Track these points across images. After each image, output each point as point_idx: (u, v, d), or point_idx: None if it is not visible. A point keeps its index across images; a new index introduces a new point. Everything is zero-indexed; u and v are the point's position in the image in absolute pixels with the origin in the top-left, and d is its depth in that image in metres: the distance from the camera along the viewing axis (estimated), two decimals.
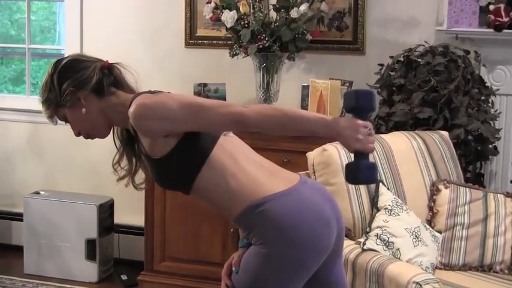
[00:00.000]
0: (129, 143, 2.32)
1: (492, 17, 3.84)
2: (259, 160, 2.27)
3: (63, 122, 2.33)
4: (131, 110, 2.12)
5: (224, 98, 4.10)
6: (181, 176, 2.19)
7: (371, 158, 2.26)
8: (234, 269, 2.25)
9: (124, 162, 2.35)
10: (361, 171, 2.03)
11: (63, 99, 2.24)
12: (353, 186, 3.20)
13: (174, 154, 2.15)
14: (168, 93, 2.20)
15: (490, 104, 3.87)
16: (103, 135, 2.34)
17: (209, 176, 2.18)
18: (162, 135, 2.14)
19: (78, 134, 2.33)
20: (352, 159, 2.06)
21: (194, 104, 2.11)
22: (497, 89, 3.93)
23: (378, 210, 3.19)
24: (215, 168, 2.17)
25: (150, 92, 2.23)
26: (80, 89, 2.23)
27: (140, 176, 2.37)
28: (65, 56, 2.41)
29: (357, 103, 2.03)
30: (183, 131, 2.14)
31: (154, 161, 2.19)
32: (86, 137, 2.35)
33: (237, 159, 2.20)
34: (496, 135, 3.81)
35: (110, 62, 2.31)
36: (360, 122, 2.00)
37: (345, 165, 2.08)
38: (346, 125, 2.00)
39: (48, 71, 2.29)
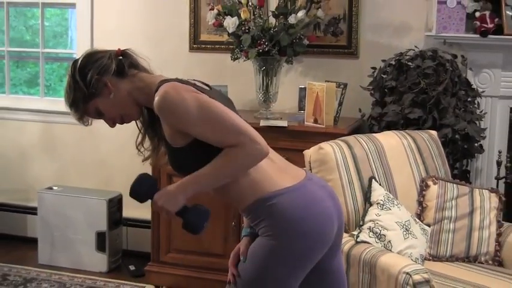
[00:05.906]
0: (152, 123, 2.31)
1: (478, 23, 3.85)
2: (272, 155, 2.25)
3: (77, 122, 2.33)
4: (156, 99, 2.11)
5: None
6: (196, 167, 2.17)
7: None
8: (242, 258, 2.25)
9: (147, 143, 2.33)
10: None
11: (90, 90, 2.22)
12: (347, 181, 3.23)
13: (192, 146, 2.16)
14: (197, 95, 2.15)
15: (476, 105, 3.87)
16: (136, 116, 2.31)
17: None
18: (180, 129, 2.16)
19: (113, 124, 2.32)
20: None
21: (216, 118, 2.12)
22: (483, 91, 3.96)
23: (371, 204, 3.19)
24: None
25: (177, 80, 2.20)
26: (104, 75, 2.22)
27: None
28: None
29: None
30: (191, 134, 2.14)
31: (172, 149, 2.20)
32: (121, 122, 2.31)
33: None
34: (482, 134, 3.82)
35: (121, 49, 2.31)
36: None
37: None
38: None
39: (68, 73, 2.27)
